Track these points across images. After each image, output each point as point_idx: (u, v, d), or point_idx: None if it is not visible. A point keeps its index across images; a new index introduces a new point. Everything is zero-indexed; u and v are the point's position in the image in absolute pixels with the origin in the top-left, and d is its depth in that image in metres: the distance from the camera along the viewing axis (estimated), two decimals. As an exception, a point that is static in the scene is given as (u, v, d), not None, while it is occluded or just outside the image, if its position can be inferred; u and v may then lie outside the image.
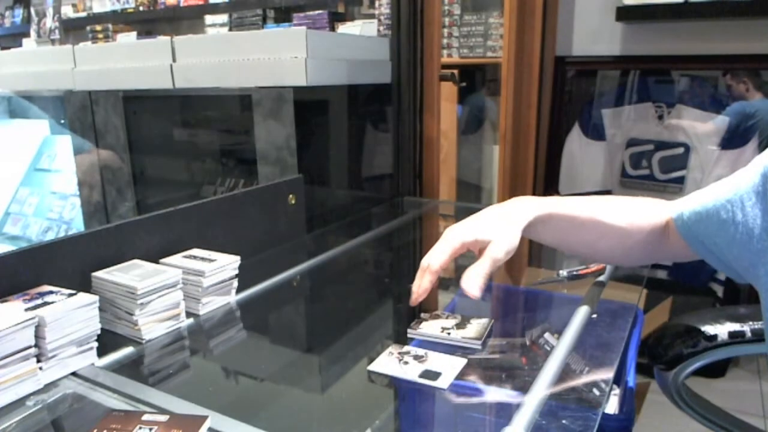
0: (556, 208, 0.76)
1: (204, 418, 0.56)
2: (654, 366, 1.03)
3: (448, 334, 0.75)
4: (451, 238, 0.74)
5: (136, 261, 0.85)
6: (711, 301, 2.15)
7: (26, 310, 0.65)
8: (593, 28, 2.18)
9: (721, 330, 0.97)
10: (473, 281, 0.69)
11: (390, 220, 1.45)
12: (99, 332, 0.71)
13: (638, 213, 0.77)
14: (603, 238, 0.77)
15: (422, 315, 0.81)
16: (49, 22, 2.12)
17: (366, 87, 1.49)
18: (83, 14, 3.93)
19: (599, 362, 0.71)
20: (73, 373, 0.69)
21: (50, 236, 1.79)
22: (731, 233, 0.63)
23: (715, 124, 2.05)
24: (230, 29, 3.20)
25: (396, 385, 0.69)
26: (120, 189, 1.62)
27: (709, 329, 0.97)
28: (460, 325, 0.77)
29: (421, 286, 0.74)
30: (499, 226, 0.73)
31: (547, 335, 0.77)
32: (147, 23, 3.81)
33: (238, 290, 0.91)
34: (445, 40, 2.79)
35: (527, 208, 0.75)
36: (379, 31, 1.80)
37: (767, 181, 0.59)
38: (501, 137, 2.20)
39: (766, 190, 0.59)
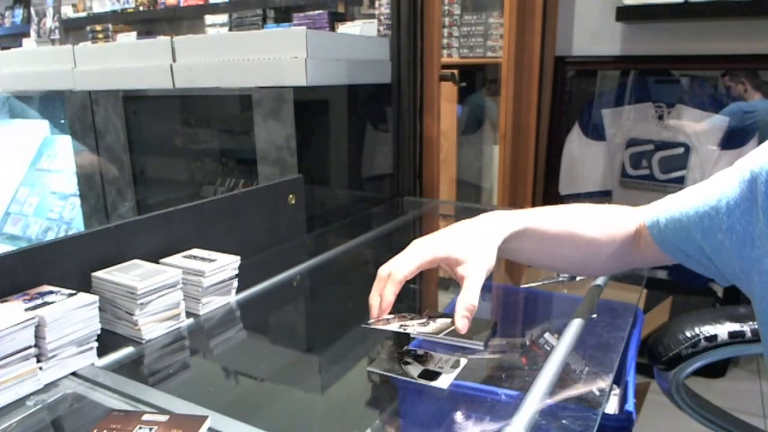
0: (529, 222, 0.71)
1: (204, 418, 0.56)
2: (654, 366, 1.03)
3: (448, 334, 0.75)
4: (421, 251, 0.67)
5: (136, 261, 0.85)
6: (711, 301, 2.15)
7: (26, 310, 0.65)
8: (593, 28, 2.18)
9: (721, 330, 0.97)
10: (463, 318, 0.63)
11: (390, 220, 1.45)
12: (99, 332, 0.71)
13: (609, 222, 0.74)
14: (577, 250, 0.73)
15: (423, 314, 0.81)
16: (49, 22, 2.12)
17: (366, 87, 1.49)
18: (83, 14, 3.92)
19: (599, 362, 0.71)
20: (73, 373, 0.69)
21: (50, 236, 1.79)
22: (719, 240, 0.61)
23: (714, 124, 2.05)
24: (230, 29, 3.19)
25: (396, 385, 0.69)
26: (120, 189, 1.62)
27: (709, 329, 0.97)
28: None
29: (384, 298, 0.66)
30: (474, 245, 0.66)
31: (547, 335, 0.77)
32: (147, 23, 3.81)
33: (238, 290, 0.91)
34: (445, 40, 2.79)
35: (500, 223, 0.69)
36: (379, 31, 1.81)
37: (755, 185, 0.57)
38: (501, 137, 2.20)
39: (756, 195, 0.57)
